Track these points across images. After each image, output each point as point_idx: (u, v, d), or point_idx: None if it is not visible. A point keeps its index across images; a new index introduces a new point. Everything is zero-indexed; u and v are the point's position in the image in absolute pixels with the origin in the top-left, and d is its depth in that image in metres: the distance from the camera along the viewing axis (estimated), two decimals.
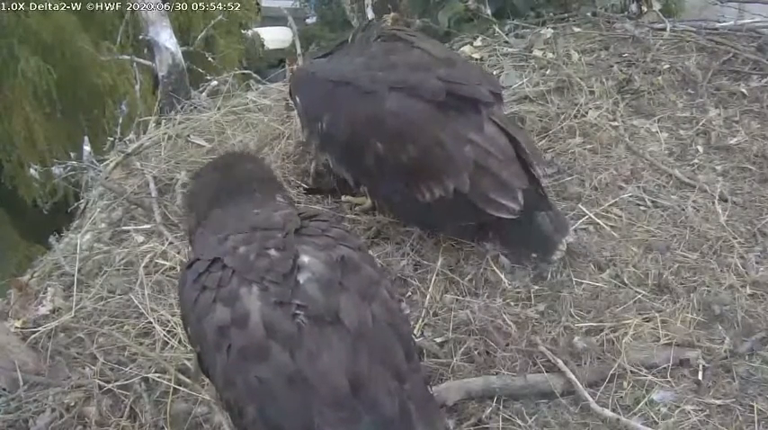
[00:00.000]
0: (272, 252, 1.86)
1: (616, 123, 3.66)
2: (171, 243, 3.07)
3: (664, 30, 4.47)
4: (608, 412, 2.32)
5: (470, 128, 2.75)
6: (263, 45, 11.27)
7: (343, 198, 3.24)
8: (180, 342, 2.61)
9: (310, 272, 1.83)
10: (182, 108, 4.23)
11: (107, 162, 3.83)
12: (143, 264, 2.96)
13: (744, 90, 3.92)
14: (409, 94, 2.73)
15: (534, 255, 2.86)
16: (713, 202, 3.17)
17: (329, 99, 2.85)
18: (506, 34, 4.55)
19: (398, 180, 2.82)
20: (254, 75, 4.83)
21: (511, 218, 2.76)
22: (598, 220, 3.06)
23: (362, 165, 2.84)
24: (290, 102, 3.96)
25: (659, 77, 4.00)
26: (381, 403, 1.72)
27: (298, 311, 1.76)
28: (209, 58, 5.88)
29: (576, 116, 3.69)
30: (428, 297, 2.74)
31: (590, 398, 2.35)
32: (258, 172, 2.32)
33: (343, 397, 1.69)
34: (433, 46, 3.02)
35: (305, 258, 1.85)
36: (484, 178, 2.74)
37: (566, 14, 4.83)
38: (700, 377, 2.45)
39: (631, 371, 2.45)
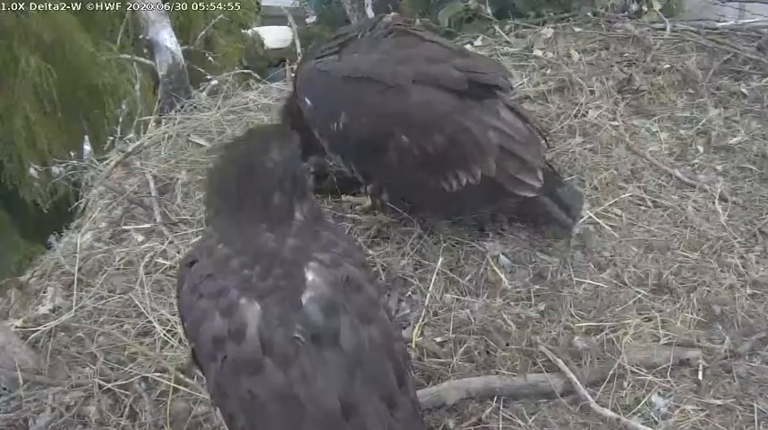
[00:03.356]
0: (277, 277, 1.84)
1: (616, 123, 3.66)
2: (171, 242, 3.07)
3: (664, 29, 4.47)
4: (608, 412, 2.32)
5: (490, 114, 2.83)
6: (262, 44, 11.28)
7: (343, 198, 3.23)
8: (180, 341, 2.61)
9: (314, 291, 1.81)
10: (182, 107, 4.22)
11: (107, 161, 3.82)
12: (143, 264, 2.96)
13: (744, 90, 3.92)
14: (433, 85, 2.77)
15: (556, 228, 2.98)
16: (713, 202, 3.18)
17: (347, 96, 2.82)
18: (506, 34, 4.55)
19: (423, 172, 2.83)
20: (254, 74, 4.83)
21: (533, 196, 2.88)
22: (598, 220, 3.06)
23: (382, 161, 2.82)
24: None
25: (659, 77, 3.99)
26: (371, 428, 1.73)
27: (297, 334, 1.75)
28: (210, 58, 5.88)
29: (576, 116, 3.69)
30: (428, 296, 2.74)
31: (590, 398, 2.35)
32: (279, 171, 2.03)
33: (333, 420, 1.70)
34: (442, 39, 3.06)
35: (310, 276, 1.84)
36: (509, 161, 2.83)
37: (566, 14, 4.83)
38: (700, 377, 2.46)
39: (631, 371, 2.45)
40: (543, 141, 3.03)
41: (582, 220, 2.96)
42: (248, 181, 2.01)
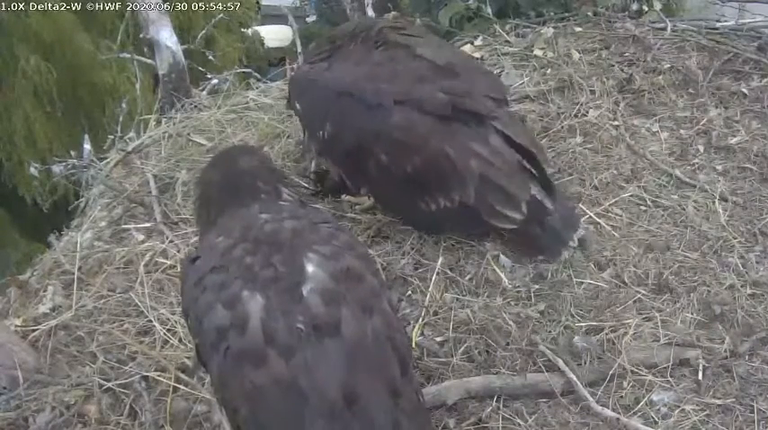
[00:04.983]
0: (278, 265, 1.86)
1: (617, 123, 3.66)
2: (171, 241, 3.07)
3: (664, 29, 4.47)
4: (608, 412, 2.32)
5: (475, 140, 2.77)
6: (263, 43, 11.29)
7: (343, 197, 3.24)
8: (180, 340, 2.61)
9: (314, 282, 1.83)
10: (182, 106, 4.23)
11: (107, 160, 3.83)
12: (143, 263, 2.96)
13: (744, 90, 3.92)
14: (414, 107, 2.74)
15: (541, 257, 2.87)
16: (714, 202, 3.17)
17: (331, 109, 2.84)
18: (507, 33, 4.55)
19: (402, 189, 2.83)
20: (255, 73, 4.83)
21: (512, 227, 2.81)
22: (598, 220, 3.06)
23: (365, 173, 2.85)
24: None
25: (660, 77, 3.99)
26: (374, 417, 1.73)
27: (299, 325, 1.76)
28: (210, 57, 5.89)
29: (576, 115, 3.69)
30: (428, 296, 2.74)
31: (590, 398, 2.35)
32: (260, 166, 2.28)
33: (336, 409, 1.70)
34: (436, 50, 2.99)
35: (310, 268, 1.86)
36: (489, 191, 2.76)
37: (566, 14, 4.83)
38: (700, 377, 2.45)
39: (631, 371, 2.45)
40: (541, 168, 2.88)
41: (572, 245, 2.85)
42: (233, 179, 2.19)
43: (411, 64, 2.88)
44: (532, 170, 2.84)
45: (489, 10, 4.93)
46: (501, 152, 2.80)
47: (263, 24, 11.67)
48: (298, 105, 3.05)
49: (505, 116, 2.90)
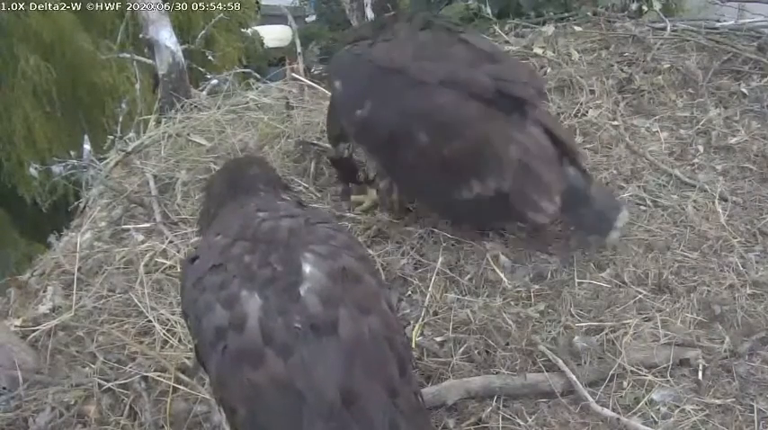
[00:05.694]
0: (276, 264, 1.87)
1: (616, 123, 3.66)
2: (171, 242, 3.07)
3: (664, 29, 4.48)
4: (608, 412, 2.31)
5: (515, 127, 2.76)
6: (262, 43, 11.30)
7: (352, 198, 3.23)
8: (180, 341, 2.61)
9: (311, 282, 1.84)
10: (182, 107, 4.23)
11: (107, 161, 3.83)
12: (143, 263, 2.96)
13: (744, 90, 3.93)
14: (460, 88, 2.72)
15: (592, 237, 2.89)
16: (713, 202, 3.17)
17: (374, 85, 2.81)
18: (506, 34, 4.55)
19: (437, 175, 2.81)
20: (254, 73, 4.83)
21: (543, 222, 2.81)
22: None
23: (400, 156, 2.82)
24: (291, 101, 3.99)
25: (659, 77, 4.00)
26: (372, 417, 1.73)
27: (297, 324, 1.76)
28: (209, 57, 5.89)
29: (576, 115, 3.69)
30: (428, 296, 2.74)
31: (590, 398, 2.35)
32: (262, 172, 2.35)
33: (334, 409, 1.70)
34: (479, 38, 2.99)
35: (307, 268, 1.86)
36: (526, 178, 2.75)
37: (566, 14, 4.84)
38: (700, 377, 2.45)
39: (631, 371, 2.45)
40: (575, 164, 2.87)
41: (618, 226, 2.85)
42: (237, 181, 2.27)
43: (456, 47, 2.86)
44: (570, 161, 2.84)
45: (489, 10, 4.93)
46: (539, 141, 2.78)
47: (262, 24, 11.67)
48: (337, 83, 2.98)
49: (543, 110, 2.90)
